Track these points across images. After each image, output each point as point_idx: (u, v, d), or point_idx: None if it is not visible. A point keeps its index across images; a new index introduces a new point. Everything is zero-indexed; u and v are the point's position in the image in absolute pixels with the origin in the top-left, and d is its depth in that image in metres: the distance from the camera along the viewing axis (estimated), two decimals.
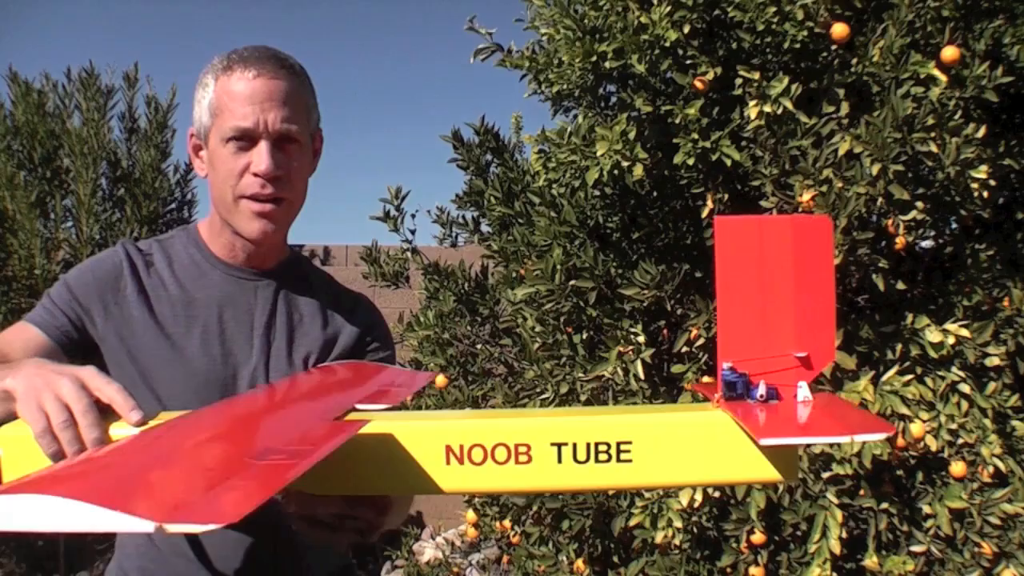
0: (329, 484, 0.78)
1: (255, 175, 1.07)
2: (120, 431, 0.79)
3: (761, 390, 0.77)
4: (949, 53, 2.04)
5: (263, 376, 1.11)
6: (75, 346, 1.08)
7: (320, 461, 0.64)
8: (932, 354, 2.09)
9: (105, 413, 0.80)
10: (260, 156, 1.06)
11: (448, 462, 0.75)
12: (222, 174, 1.08)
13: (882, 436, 0.71)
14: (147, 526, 0.50)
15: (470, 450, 0.75)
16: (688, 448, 0.77)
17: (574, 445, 0.75)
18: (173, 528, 0.50)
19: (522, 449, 0.75)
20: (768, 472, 0.76)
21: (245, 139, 1.06)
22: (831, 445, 2.02)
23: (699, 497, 2.04)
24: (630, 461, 0.75)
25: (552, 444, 0.75)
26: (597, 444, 0.75)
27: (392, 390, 0.94)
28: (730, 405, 0.77)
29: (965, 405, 2.08)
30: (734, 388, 0.78)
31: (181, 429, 0.76)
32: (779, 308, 0.78)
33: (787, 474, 0.77)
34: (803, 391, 0.77)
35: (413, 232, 2.84)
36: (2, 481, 0.79)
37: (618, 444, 0.75)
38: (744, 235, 0.78)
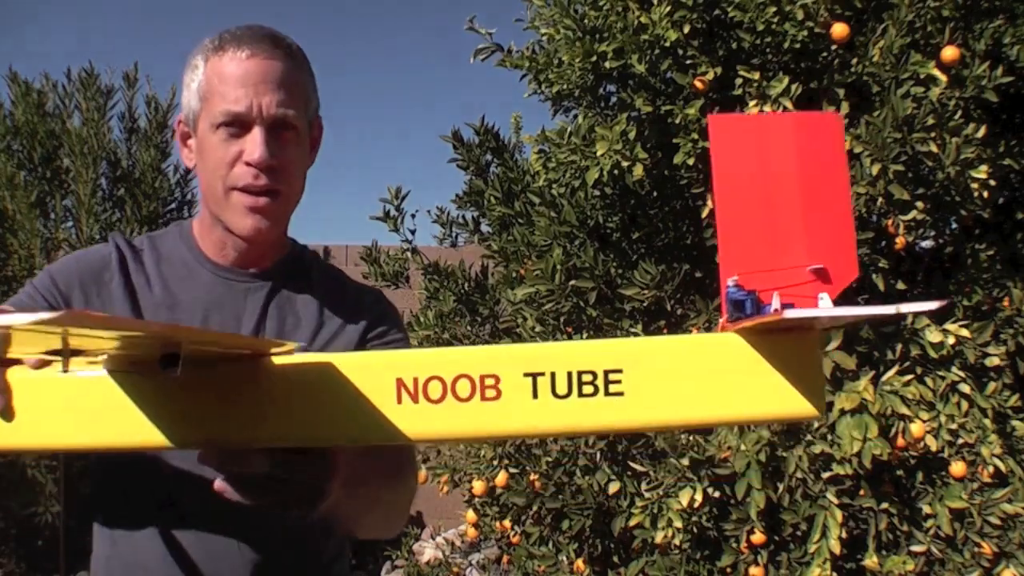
0: (253, 430, 0.65)
1: (248, 164, 0.96)
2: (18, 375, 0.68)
3: (775, 304, 0.62)
4: (949, 53, 2.04)
5: None
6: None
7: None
8: (932, 354, 2.09)
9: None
10: (253, 143, 0.95)
11: (400, 400, 0.62)
12: (211, 163, 0.98)
13: (932, 306, 0.58)
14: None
15: (426, 384, 0.62)
16: (691, 377, 0.63)
17: (552, 375, 0.61)
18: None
19: (489, 382, 0.61)
20: (789, 405, 0.62)
21: (237, 125, 0.96)
22: (831, 444, 2.02)
23: (699, 497, 2.04)
24: (621, 394, 0.62)
25: (526, 375, 0.61)
26: (580, 373, 0.61)
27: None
28: (737, 324, 0.64)
29: (965, 405, 2.08)
30: (742, 307, 0.63)
31: None
32: (787, 216, 0.66)
33: (813, 408, 0.63)
34: (824, 302, 0.63)
35: (413, 232, 2.85)
36: None
37: (606, 373, 0.61)
38: (742, 136, 0.68)
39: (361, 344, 1.07)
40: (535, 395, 0.61)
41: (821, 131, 0.67)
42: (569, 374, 0.62)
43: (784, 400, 0.62)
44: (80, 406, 0.66)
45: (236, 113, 0.95)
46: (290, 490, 0.70)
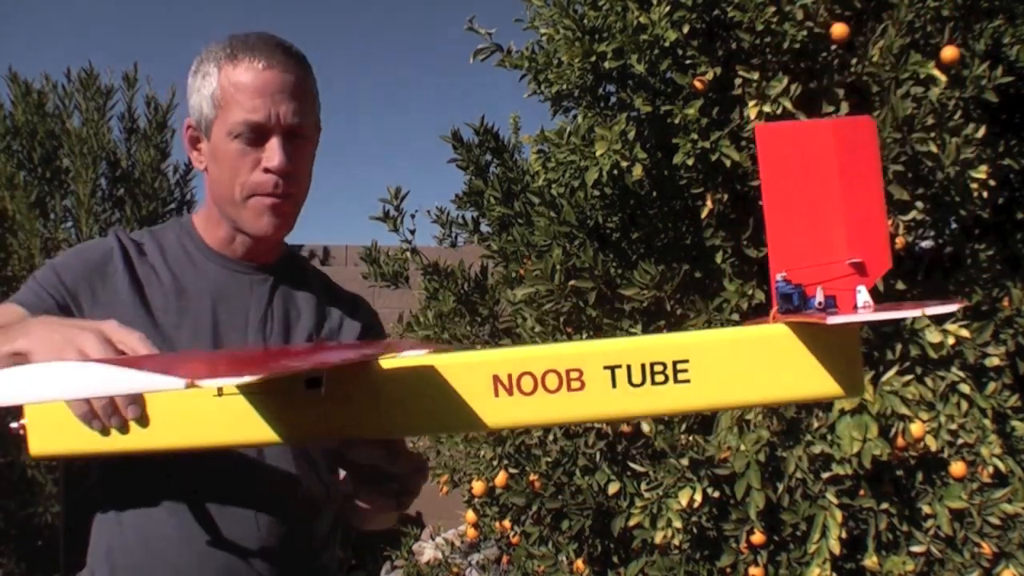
0: (369, 422, 0.74)
1: (267, 171, 1.02)
2: None
3: (819, 297, 0.71)
4: (949, 53, 2.04)
5: None
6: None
7: (345, 371, 0.66)
8: (932, 354, 2.09)
9: None
10: (273, 152, 1.01)
11: (497, 394, 0.70)
12: (229, 170, 1.03)
13: (953, 308, 0.69)
14: (179, 383, 0.51)
15: (519, 379, 0.70)
16: (748, 365, 0.72)
17: (628, 367, 0.70)
18: (204, 383, 0.52)
19: (574, 375, 0.70)
20: (832, 387, 0.71)
21: (255, 133, 1.01)
22: (831, 444, 2.03)
23: (699, 497, 2.04)
24: (688, 381, 0.71)
25: (605, 367, 0.70)
26: (653, 365, 0.70)
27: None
28: (788, 318, 0.72)
29: (965, 405, 2.08)
30: (790, 300, 0.72)
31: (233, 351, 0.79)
32: (828, 214, 0.73)
33: (852, 389, 0.72)
34: (863, 295, 0.72)
35: (413, 232, 2.84)
36: (28, 446, 0.81)
37: (674, 364, 0.70)
38: (786, 142, 0.75)
39: (363, 337, 1.17)
40: (614, 385, 0.70)
41: (857, 135, 0.74)
42: (643, 366, 0.70)
43: (826, 383, 0.71)
44: (206, 410, 0.76)
45: (256, 123, 1.00)
46: (393, 483, 0.84)
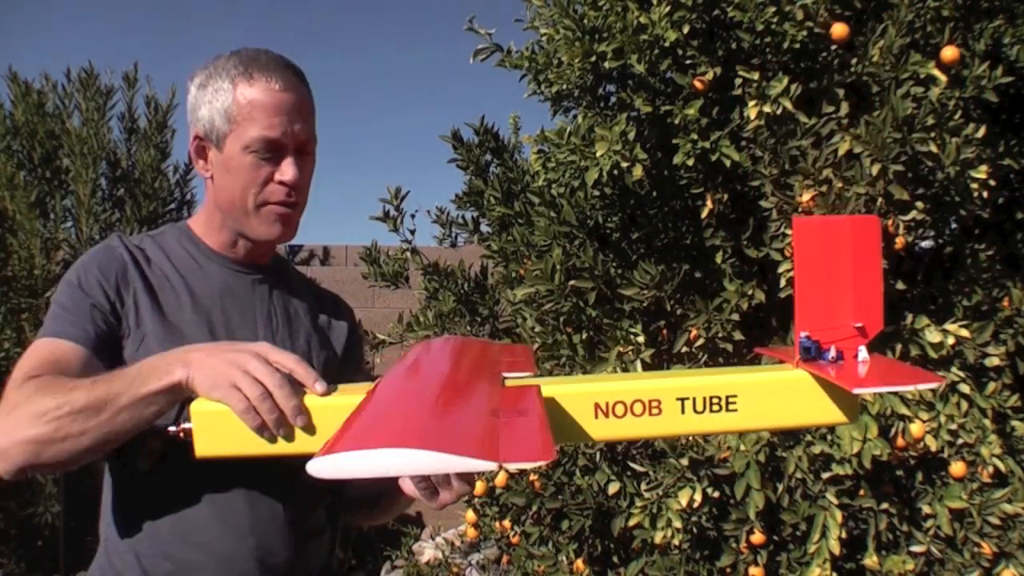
0: None
1: (281, 183, 1.11)
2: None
3: (832, 353, 0.97)
4: (949, 53, 2.04)
5: None
6: (107, 348, 1.07)
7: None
8: (932, 354, 2.09)
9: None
10: (288, 166, 1.11)
11: (596, 416, 0.92)
12: (242, 181, 1.11)
13: (933, 384, 0.95)
14: (491, 466, 0.63)
15: (614, 406, 0.92)
16: (778, 399, 0.96)
17: (694, 399, 0.94)
18: (513, 467, 0.64)
19: (655, 404, 0.93)
20: (837, 416, 0.96)
21: (271, 149, 1.10)
22: (831, 444, 2.03)
23: (699, 497, 2.04)
24: (736, 410, 0.95)
25: (677, 399, 0.93)
26: (711, 398, 0.94)
27: (516, 360, 1.08)
28: (807, 365, 0.97)
29: (965, 405, 2.08)
30: (809, 352, 0.97)
31: (407, 388, 0.88)
32: (841, 288, 0.97)
33: (851, 417, 0.97)
34: (863, 353, 0.97)
35: (413, 232, 2.84)
36: (194, 451, 0.90)
37: (727, 398, 0.94)
38: (814, 232, 0.98)
39: (349, 344, 1.27)
40: (683, 412, 0.93)
41: (864, 228, 0.98)
42: (704, 398, 0.94)
43: (833, 413, 0.96)
44: None
45: (273, 139, 1.09)
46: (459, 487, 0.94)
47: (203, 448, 0.90)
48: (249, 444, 0.90)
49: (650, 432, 0.96)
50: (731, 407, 0.94)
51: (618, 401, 0.92)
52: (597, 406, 0.92)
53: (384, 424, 0.73)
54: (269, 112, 1.08)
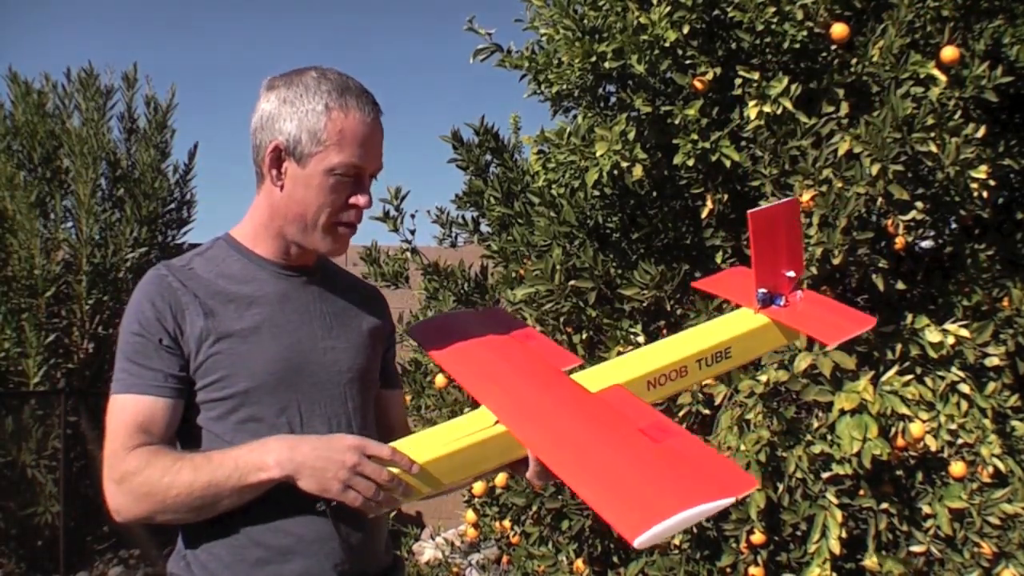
0: None
1: (356, 207, 1.19)
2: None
3: (781, 301, 1.37)
4: (949, 53, 2.04)
5: (332, 357, 1.21)
6: (185, 388, 1.14)
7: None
8: (932, 354, 2.09)
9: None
10: (365, 192, 1.20)
11: (648, 389, 1.24)
12: (320, 200, 1.17)
13: (868, 327, 1.36)
14: (729, 501, 0.91)
15: (659, 379, 1.25)
16: (753, 340, 1.35)
17: (707, 358, 1.29)
18: (738, 497, 0.95)
19: (683, 369, 1.27)
20: (789, 339, 1.40)
21: (352, 175, 1.17)
22: (831, 444, 2.04)
23: None
24: (731, 356, 1.32)
25: (696, 361, 1.28)
26: (716, 353, 1.30)
27: (556, 355, 1.36)
28: (765, 311, 1.36)
29: (965, 405, 2.08)
30: (765, 301, 1.37)
31: (581, 446, 1.08)
32: (779, 252, 1.36)
33: (793, 339, 1.42)
34: (799, 295, 1.38)
35: (413, 232, 2.84)
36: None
37: (726, 350, 1.31)
38: (761, 218, 1.33)
39: (390, 336, 1.37)
40: (700, 368, 1.28)
41: (789, 209, 1.38)
42: (712, 355, 1.29)
43: (784, 340, 1.40)
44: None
45: (359, 167, 1.18)
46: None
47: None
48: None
49: (681, 388, 1.31)
50: (728, 355, 1.32)
51: (661, 375, 1.25)
52: (649, 383, 1.24)
53: (661, 488, 0.95)
54: (361, 142, 1.17)
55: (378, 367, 1.30)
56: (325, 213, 1.18)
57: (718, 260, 2.29)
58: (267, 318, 1.18)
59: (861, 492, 2.09)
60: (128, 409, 1.11)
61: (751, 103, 2.09)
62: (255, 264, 1.23)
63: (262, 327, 1.17)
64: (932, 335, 2.09)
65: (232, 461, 1.06)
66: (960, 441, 2.07)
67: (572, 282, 2.29)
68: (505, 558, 2.77)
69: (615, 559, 2.37)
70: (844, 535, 2.01)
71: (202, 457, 1.08)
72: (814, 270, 2.03)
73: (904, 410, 1.99)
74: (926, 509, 2.11)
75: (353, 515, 1.14)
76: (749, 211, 1.32)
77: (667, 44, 2.12)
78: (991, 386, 2.14)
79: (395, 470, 1.07)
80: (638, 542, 0.87)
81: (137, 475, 1.07)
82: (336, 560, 1.15)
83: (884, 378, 2.04)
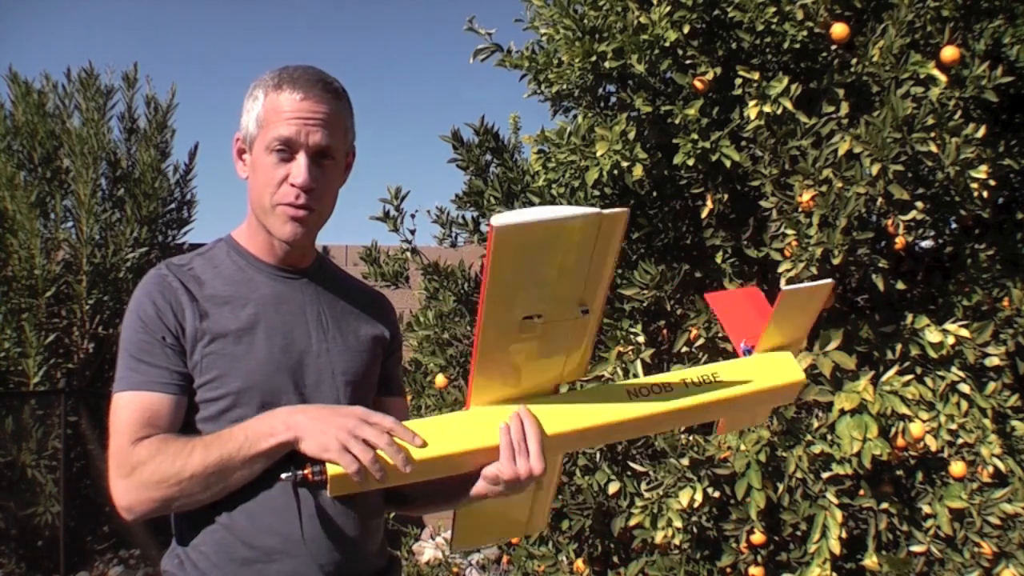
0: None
1: (292, 185, 1.17)
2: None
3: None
4: (949, 53, 2.04)
5: (326, 359, 1.21)
6: (188, 385, 1.14)
7: None
8: (932, 354, 2.09)
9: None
10: (298, 169, 1.16)
11: (631, 399, 1.23)
12: (263, 180, 1.18)
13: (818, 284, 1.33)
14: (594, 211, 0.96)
15: (640, 390, 1.25)
16: (739, 373, 1.33)
17: (693, 379, 1.27)
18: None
19: (667, 387, 1.26)
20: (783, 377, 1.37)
21: (287, 149, 1.16)
22: (831, 444, 2.04)
23: (699, 497, 2.04)
24: (721, 383, 1.33)
25: (682, 381, 1.26)
26: (704, 378, 1.29)
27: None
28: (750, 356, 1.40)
29: (965, 405, 2.09)
30: (746, 353, 1.40)
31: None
32: (747, 317, 1.46)
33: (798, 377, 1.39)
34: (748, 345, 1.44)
35: (413, 232, 2.84)
36: (328, 489, 1.07)
37: (714, 375, 1.30)
38: (722, 300, 1.54)
39: (392, 342, 1.35)
40: (686, 387, 1.26)
41: (750, 293, 1.53)
42: (699, 378, 1.28)
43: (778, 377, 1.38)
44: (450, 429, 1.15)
45: (286, 136, 1.16)
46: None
47: (336, 490, 1.07)
48: (372, 483, 1.07)
49: (668, 407, 1.26)
50: (715, 380, 1.36)
51: (643, 387, 1.27)
52: (629, 392, 1.25)
53: None
54: (287, 116, 1.16)
55: (376, 372, 1.29)
56: (268, 194, 1.18)
57: (718, 260, 2.29)
58: (261, 319, 1.19)
59: (861, 492, 2.09)
60: (133, 406, 1.12)
61: (751, 103, 2.09)
62: (252, 265, 1.24)
63: (256, 328, 1.18)
64: (932, 335, 2.09)
65: (242, 432, 1.08)
66: (960, 441, 2.07)
67: None
68: (505, 558, 2.78)
69: (615, 559, 2.37)
70: (844, 535, 2.01)
71: (212, 436, 1.10)
72: (814, 270, 2.03)
73: (904, 410, 1.99)
74: (926, 509, 2.11)
75: (344, 515, 1.15)
76: (707, 294, 1.47)
77: (667, 44, 2.12)
78: (991, 386, 2.14)
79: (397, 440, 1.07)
80: (496, 222, 0.91)
81: (148, 464, 1.08)
82: (322, 561, 1.14)
83: (884, 378, 2.04)
